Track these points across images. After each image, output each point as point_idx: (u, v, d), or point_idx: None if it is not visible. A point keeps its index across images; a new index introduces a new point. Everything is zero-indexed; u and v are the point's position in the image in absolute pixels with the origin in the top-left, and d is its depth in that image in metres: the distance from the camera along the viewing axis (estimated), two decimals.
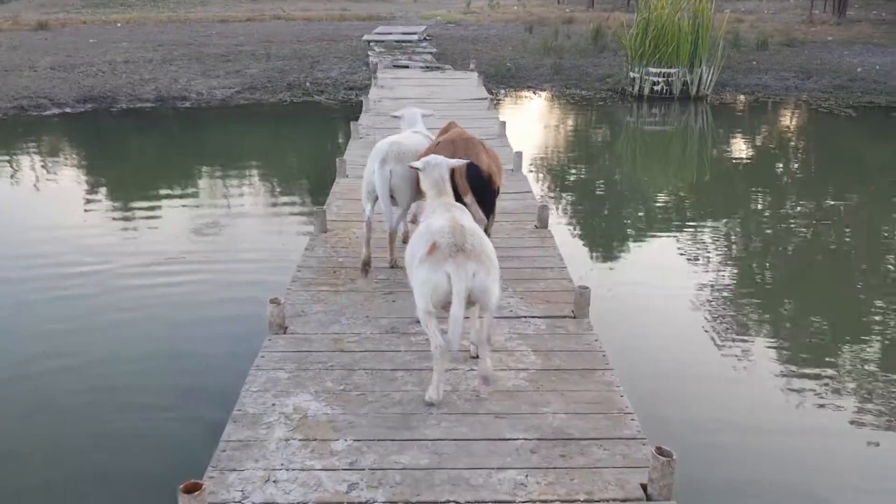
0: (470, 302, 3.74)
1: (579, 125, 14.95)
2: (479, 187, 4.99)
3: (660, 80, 15.38)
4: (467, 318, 4.00)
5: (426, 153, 4.98)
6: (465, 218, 4.04)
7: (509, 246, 6.16)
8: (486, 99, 12.87)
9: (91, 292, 7.08)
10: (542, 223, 6.62)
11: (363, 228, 5.61)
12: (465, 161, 4.69)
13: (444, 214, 3.96)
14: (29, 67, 17.90)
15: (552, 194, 10.25)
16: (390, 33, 23.30)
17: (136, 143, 13.21)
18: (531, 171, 10.63)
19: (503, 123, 10.22)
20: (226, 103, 15.19)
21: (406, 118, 6.17)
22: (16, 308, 6.87)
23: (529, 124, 14.21)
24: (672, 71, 15.28)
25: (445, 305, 3.71)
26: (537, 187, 9.96)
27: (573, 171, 11.76)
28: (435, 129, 6.22)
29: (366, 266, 5.55)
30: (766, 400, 5.46)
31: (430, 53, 19.69)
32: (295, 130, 14.15)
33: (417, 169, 4.44)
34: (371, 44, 21.43)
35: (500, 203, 7.11)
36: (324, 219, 6.52)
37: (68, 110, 14.51)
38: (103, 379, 5.67)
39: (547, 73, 18.15)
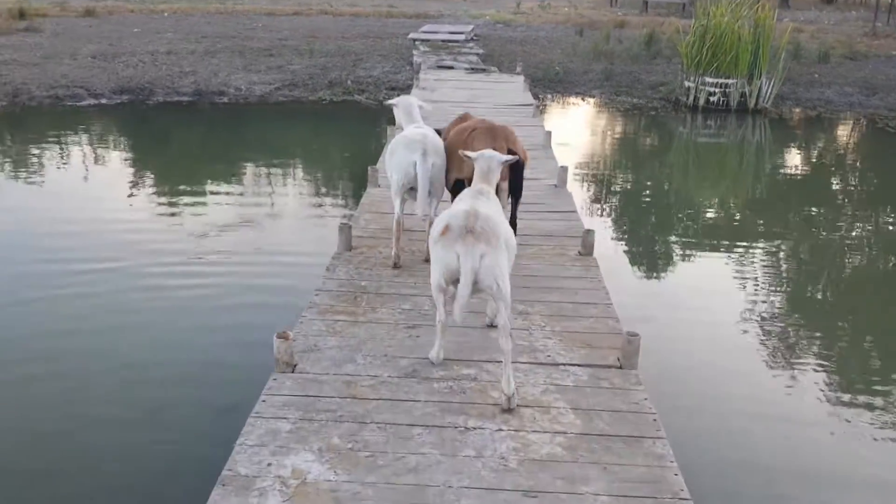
0: (478, 289, 3.87)
1: (630, 136, 14.26)
2: (516, 175, 5.32)
3: (716, 90, 14.61)
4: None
5: (452, 134, 5.66)
6: (486, 205, 4.16)
7: (549, 275, 5.59)
8: (531, 105, 12.26)
9: (99, 291, 6.74)
10: (587, 250, 6.02)
11: (393, 226, 5.63)
12: (516, 157, 4.79)
13: (468, 201, 4.12)
14: (70, 55, 17.73)
15: (598, 214, 9.57)
16: (437, 32, 22.78)
17: (168, 139, 12.91)
18: (576, 185, 9.99)
19: (549, 134, 9.62)
20: (264, 100, 14.80)
21: (401, 107, 5.91)
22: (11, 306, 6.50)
23: (576, 134, 13.54)
24: (730, 81, 14.51)
25: (455, 282, 3.90)
26: (582, 206, 9.23)
27: (622, 188, 11.07)
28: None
29: (396, 265, 5.60)
30: (845, 465, 4.81)
31: (476, 54, 19.12)
32: (332, 131, 13.70)
33: (471, 158, 4.56)
34: (416, 42, 20.93)
35: (541, 224, 6.59)
36: (348, 235, 6.00)
37: (104, 101, 14.23)
38: (77, 402, 5.24)
39: (597, 79, 17.48)
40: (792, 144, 13.82)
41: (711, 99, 14.71)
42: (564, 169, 7.91)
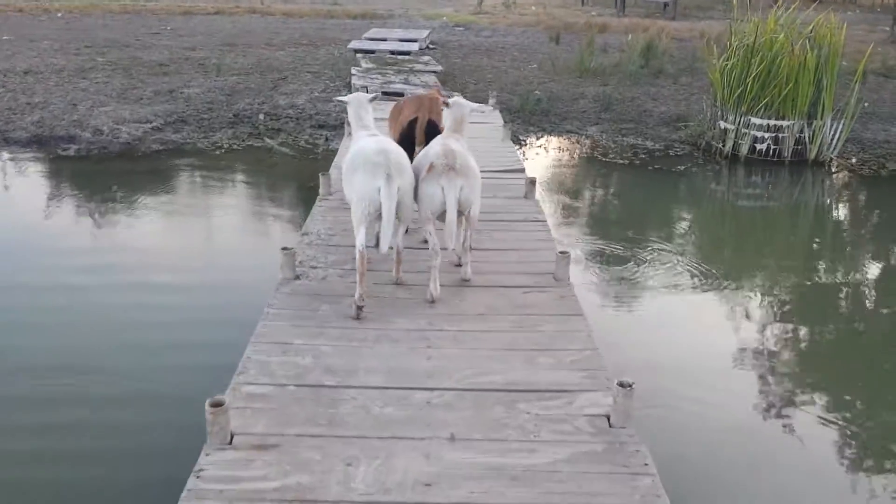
0: (459, 211, 4.59)
1: (670, 222, 9.20)
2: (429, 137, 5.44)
3: (766, 135, 10.63)
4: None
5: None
6: (457, 145, 4.77)
7: None
8: (521, 172, 8.02)
9: None
10: None
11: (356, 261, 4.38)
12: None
13: (441, 143, 4.76)
14: None
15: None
16: (385, 39, 18.53)
17: None
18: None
19: (565, 257, 5.44)
20: (131, 148, 10.34)
21: (353, 106, 4.98)
22: None
23: (586, 230, 8.94)
24: (785, 124, 10.54)
25: (440, 215, 4.58)
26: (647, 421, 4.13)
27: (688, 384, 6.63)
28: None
29: (360, 309, 4.44)
30: None
31: (434, 72, 14.92)
32: (219, 210, 8.75)
33: (448, 106, 5.02)
34: (358, 55, 16.64)
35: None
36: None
37: None
38: None
39: (591, 109, 13.38)
40: (875, 213, 9.92)
41: (758, 146, 10.70)
42: (626, 391, 3.74)
